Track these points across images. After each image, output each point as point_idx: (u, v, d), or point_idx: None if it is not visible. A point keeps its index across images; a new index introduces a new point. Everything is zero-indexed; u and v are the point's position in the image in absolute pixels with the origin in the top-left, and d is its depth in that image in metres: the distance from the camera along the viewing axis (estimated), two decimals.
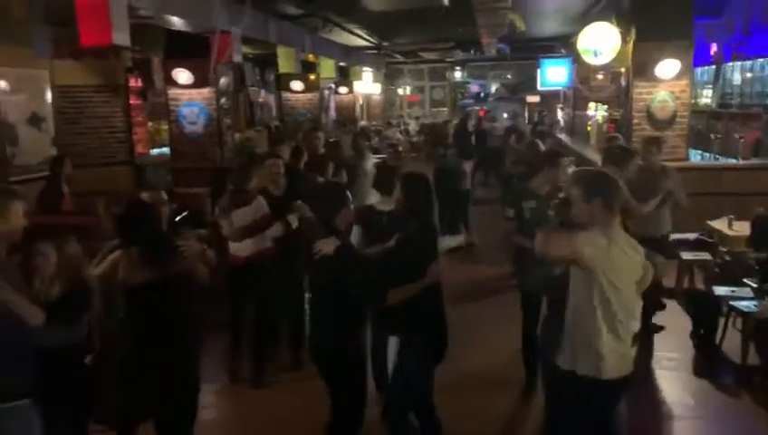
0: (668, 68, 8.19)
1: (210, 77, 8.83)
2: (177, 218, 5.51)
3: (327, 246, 3.23)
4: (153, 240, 3.48)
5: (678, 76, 8.27)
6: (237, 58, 8.57)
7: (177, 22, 7.99)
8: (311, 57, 12.82)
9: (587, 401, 2.90)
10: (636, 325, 2.91)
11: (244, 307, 5.13)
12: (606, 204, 2.86)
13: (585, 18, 12.44)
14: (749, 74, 10.78)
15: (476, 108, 25.13)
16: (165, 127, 11.78)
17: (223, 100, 9.27)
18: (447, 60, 22.72)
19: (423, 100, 26.89)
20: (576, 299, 2.91)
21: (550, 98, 21.53)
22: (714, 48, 12.07)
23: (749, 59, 11.04)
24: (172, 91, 9.20)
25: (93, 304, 3.22)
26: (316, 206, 3.57)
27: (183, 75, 8.86)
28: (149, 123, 11.87)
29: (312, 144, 7.57)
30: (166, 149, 11.45)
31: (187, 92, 9.14)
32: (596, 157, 9.87)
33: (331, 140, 10.09)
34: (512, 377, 4.93)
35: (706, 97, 12.29)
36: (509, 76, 25.36)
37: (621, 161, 4.95)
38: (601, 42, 8.60)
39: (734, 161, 9.24)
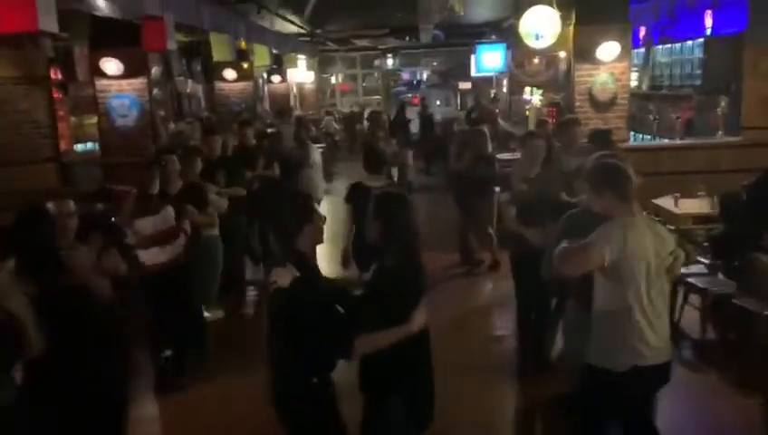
0: (609, 50, 8.28)
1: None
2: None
3: (282, 276, 2.60)
4: (34, 252, 3.06)
5: (619, 58, 8.38)
6: (171, 46, 8.11)
7: (103, 7, 7.46)
8: (243, 45, 12.36)
9: (625, 394, 2.91)
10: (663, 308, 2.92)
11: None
12: (617, 195, 2.83)
13: (519, 3, 12.55)
14: (677, 57, 11.14)
15: (409, 95, 25.13)
16: (89, 121, 11.11)
17: (155, 90, 8.77)
18: (380, 47, 22.56)
19: (356, 88, 26.68)
20: (605, 298, 2.88)
21: (482, 84, 21.72)
22: (642, 31, 12.41)
23: (676, 42, 11.42)
24: (100, 83, 8.62)
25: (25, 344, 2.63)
26: (274, 219, 2.89)
27: (112, 65, 8.31)
28: (72, 118, 11.19)
29: (244, 136, 7.34)
30: (90, 145, 10.81)
31: (117, 83, 8.59)
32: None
33: (270, 131, 9.80)
34: (486, 362, 4.90)
35: (634, 80, 12.64)
36: (435, 63, 25.48)
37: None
38: (542, 25, 8.60)
39: (668, 141, 9.53)
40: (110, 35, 8.32)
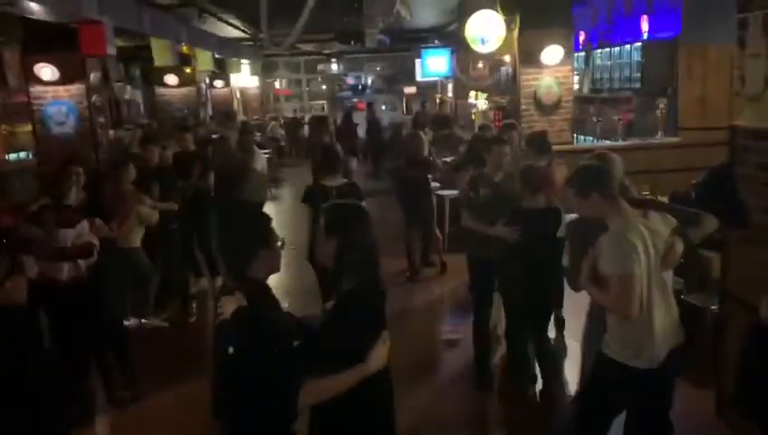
0: (552, 54, 8.46)
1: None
2: None
3: (229, 305, 2.18)
4: None
5: (562, 62, 8.57)
6: (111, 51, 7.81)
7: (37, 9, 7.11)
8: (185, 49, 12.07)
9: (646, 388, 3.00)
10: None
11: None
12: (604, 196, 2.86)
13: (464, 8, 12.69)
14: (616, 61, 11.46)
15: (355, 100, 25.09)
16: (20, 130, 10.60)
17: (94, 97, 8.43)
18: (324, 52, 22.45)
19: (301, 92, 26.45)
20: None
21: (427, 89, 21.87)
22: (582, 36, 12.73)
23: (615, 46, 11.75)
24: (35, 89, 8.22)
25: None
26: (219, 236, 2.34)
27: (47, 71, 7.94)
28: (2, 126, 10.68)
29: (184, 142, 7.23)
30: (24, 155, 10.31)
31: (53, 90, 8.20)
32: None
33: (215, 136, 9.58)
34: (438, 366, 4.90)
35: (575, 84, 12.95)
36: (379, 68, 25.51)
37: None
38: (488, 29, 8.72)
39: (610, 142, 9.77)
40: (45, 39, 7.96)
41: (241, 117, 18.12)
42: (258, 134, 15.52)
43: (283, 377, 2.16)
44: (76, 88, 8.24)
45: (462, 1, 12.00)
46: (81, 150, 8.35)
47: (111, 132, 9.75)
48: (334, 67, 25.51)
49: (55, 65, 7.95)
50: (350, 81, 26.60)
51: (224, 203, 6.99)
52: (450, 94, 16.73)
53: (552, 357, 4.59)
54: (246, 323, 2.14)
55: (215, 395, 2.28)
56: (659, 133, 8.98)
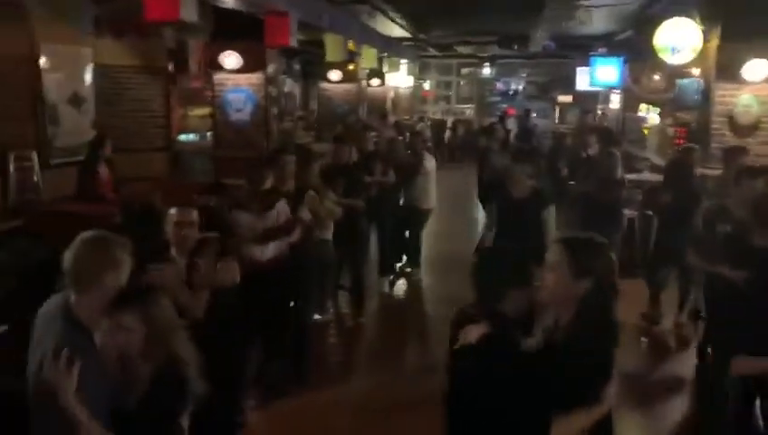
0: (756, 70, 7.61)
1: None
2: None
3: (472, 332, 2.19)
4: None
5: (766, 79, 7.68)
6: (293, 42, 8.00)
7: (229, 0, 7.45)
8: (352, 46, 12.26)
9: None
10: None
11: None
12: None
13: (643, 16, 11.87)
14: None
15: (504, 106, 24.57)
16: (192, 113, 11.26)
17: (270, 87, 8.73)
18: (479, 55, 22.12)
19: (448, 95, 26.32)
20: None
21: (586, 98, 20.88)
22: None
23: None
24: (217, 76, 8.66)
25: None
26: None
27: (232, 59, 8.32)
28: (179, 109, 11.38)
29: (365, 141, 7.24)
30: (193, 136, 10.92)
31: (234, 77, 8.59)
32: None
33: (387, 136, 9.62)
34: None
35: None
36: (532, 74, 24.71)
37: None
38: (681, 39, 7.99)
39: None
40: (231, 29, 8.32)
41: (392, 116, 18.42)
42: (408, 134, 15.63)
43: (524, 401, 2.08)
44: (256, 77, 8.55)
45: (642, 9, 11.20)
46: (254, 138, 8.69)
47: (289, 123, 10.08)
48: (486, 71, 25.11)
49: (240, 54, 8.28)
50: (501, 86, 26.11)
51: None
52: (613, 106, 15.84)
53: None
54: (492, 348, 2.11)
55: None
56: None
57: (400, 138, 10.99)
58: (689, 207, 5.48)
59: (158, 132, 8.77)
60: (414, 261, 7.73)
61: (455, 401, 2.27)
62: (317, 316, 6.08)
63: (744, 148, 6.22)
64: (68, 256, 2.22)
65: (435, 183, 7.62)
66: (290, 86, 16.40)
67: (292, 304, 4.83)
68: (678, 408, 4.86)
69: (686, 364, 5.31)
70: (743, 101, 7.82)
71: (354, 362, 5.63)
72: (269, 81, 8.60)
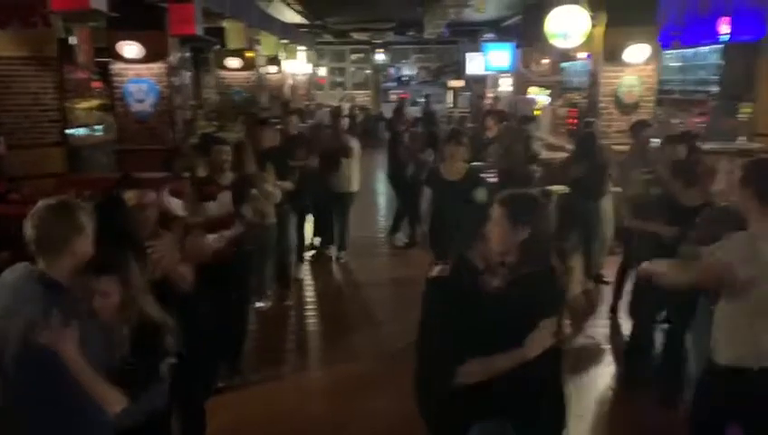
0: (637, 52, 8.31)
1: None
2: None
3: (440, 270, 2.50)
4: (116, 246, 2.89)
5: (646, 61, 8.42)
6: (199, 30, 7.83)
7: None
8: (253, 33, 12.10)
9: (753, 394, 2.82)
10: None
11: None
12: (759, 195, 2.74)
13: (527, 2, 12.54)
14: (689, 62, 11.20)
15: (399, 91, 24.98)
16: (78, 106, 10.70)
17: (173, 77, 8.49)
18: (374, 41, 22.37)
19: (344, 81, 26.45)
20: (735, 302, 2.82)
21: (474, 83, 21.68)
22: None
23: (688, 47, 11.50)
24: (117, 66, 8.30)
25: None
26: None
27: (132, 48, 8.00)
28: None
29: (289, 125, 7.22)
30: (83, 130, 10.38)
31: (135, 67, 8.27)
32: (557, 141, 10.01)
33: (310, 122, 9.59)
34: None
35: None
36: (424, 60, 25.32)
37: None
38: (571, 25, 8.55)
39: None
40: (130, 17, 8.01)
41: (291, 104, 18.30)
42: (310, 121, 15.62)
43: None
44: (158, 67, 8.28)
45: None
46: (159, 129, 8.43)
47: (188, 113, 9.79)
48: (380, 57, 25.41)
49: (140, 43, 7.99)
50: (393, 71, 26.51)
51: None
52: (503, 89, 16.58)
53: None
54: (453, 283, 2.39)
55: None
56: (742, 138, 8.77)
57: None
58: (600, 177, 5.96)
59: (53, 126, 8.33)
60: (341, 245, 7.82)
61: (425, 326, 2.51)
62: (259, 304, 6.09)
63: (646, 120, 6.76)
64: (32, 225, 2.20)
65: (359, 166, 7.68)
66: (182, 76, 15.92)
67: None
68: (597, 366, 5.19)
69: (599, 326, 5.77)
70: (626, 81, 8.53)
71: (302, 347, 5.61)
72: (172, 70, 8.36)
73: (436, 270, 2.50)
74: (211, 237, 4.29)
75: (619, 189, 5.94)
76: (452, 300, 2.39)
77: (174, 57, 8.44)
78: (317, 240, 8.03)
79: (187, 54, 15.98)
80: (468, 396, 2.37)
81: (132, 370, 2.25)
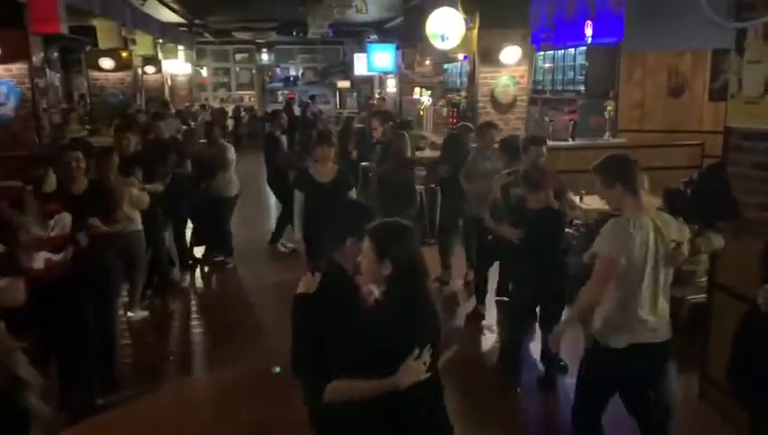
0: (510, 54, 8.69)
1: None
2: None
3: (309, 283, 2.52)
4: None
5: (519, 62, 8.83)
6: (63, 29, 7.35)
7: None
8: (126, 32, 11.53)
9: (624, 369, 3.14)
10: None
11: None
12: (627, 188, 2.95)
13: (409, 5, 12.80)
14: (559, 63, 11.86)
15: (286, 92, 24.71)
16: None
17: (37, 78, 7.91)
18: (258, 41, 22.00)
19: (228, 82, 25.83)
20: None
21: (361, 83, 21.90)
22: None
23: (558, 49, 12.18)
24: None
25: None
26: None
27: None
28: None
29: (159, 129, 6.98)
30: None
31: None
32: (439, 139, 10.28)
33: (184, 127, 9.24)
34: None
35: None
36: (311, 60, 25.21)
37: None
38: (448, 27, 8.83)
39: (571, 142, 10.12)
40: None
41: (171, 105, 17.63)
42: (192, 123, 15.13)
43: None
44: (17, 68, 7.71)
45: None
46: (23, 134, 7.85)
47: (57, 116, 9.17)
48: (264, 57, 25.06)
49: None
50: (280, 72, 26.19)
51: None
52: (389, 89, 16.85)
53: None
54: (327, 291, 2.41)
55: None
56: (607, 134, 9.40)
57: (185, 127, 10.71)
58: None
59: None
60: (226, 249, 7.62)
61: (297, 337, 2.50)
62: (130, 314, 5.80)
63: (491, 122, 7.04)
64: None
65: (235, 170, 7.53)
66: (50, 77, 14.90)
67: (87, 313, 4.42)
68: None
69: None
70: (501, 81, 8.91)
71: (184, 357, 5.45)
72: (35, 71, 7.79)
73: (303, 283, 2.45)
74: (43, 256, 4.00)
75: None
76: (319, 317, 2.37)
77: (37, 57, 7.87)
78: (199, 250, 7.80)
79: (55, 55, 15.05)
80: (342, 418, 2.33)
81: None
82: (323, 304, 2.36)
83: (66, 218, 4.14)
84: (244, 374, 4.96)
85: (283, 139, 9.09)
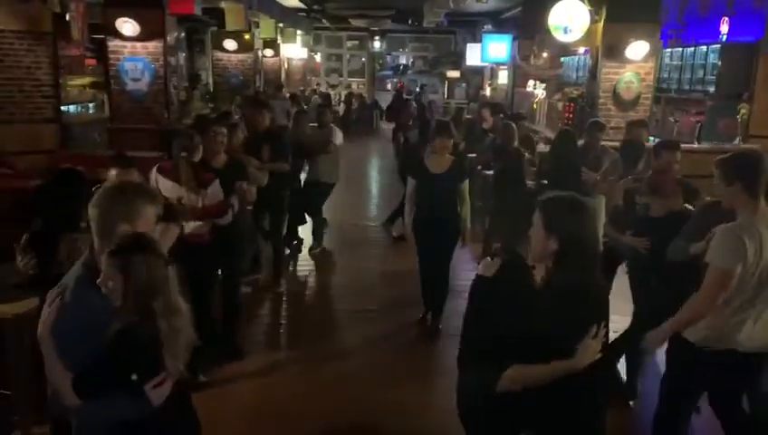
0: (637, 49, 8.28)
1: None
2: None
3: (488, 266, 2.36)
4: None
5: (646, 58, 8.40)
6: (197, 10, 7.73)
7: None
8: (252, 15, 11.97)
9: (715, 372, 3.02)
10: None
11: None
12: (745, 188, 2.77)
13: None
14: (688, 61, 11.21)
15: (395, 80, 24.90)
16: (72, 83, 10.58)
17: (170, 57, 8.38)
18: (371, 28, 22.24)
19: (339, 68, 26.31)
20: None
21: (471, 74, 21.64)
22: None
23: (688, 46, 11.50)
24: (113, 44, 8.18)
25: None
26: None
27: (129, 26, 7.88)
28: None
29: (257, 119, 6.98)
30: (73, 108, 10.26)
31: (131, 45, 8.16)
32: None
33: (295, 110, 9.47)
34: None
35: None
36: (422, 49, 25.19)
37: None
38: (572, 19, 8.53)
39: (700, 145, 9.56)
40: None
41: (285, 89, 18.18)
42: (305, 106, 15.54)
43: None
44: (154, 45, 8.18)
45: None
46: (154, 109, 8.34)
47: (183, 93, 9.67)
48: (377, 45, 25.30)
49: (137, 21, 7.89)
50: (391, 60, 26.39)
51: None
52: (501, 81, 16.55)
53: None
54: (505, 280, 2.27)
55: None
56: (737, 139, 8.79)
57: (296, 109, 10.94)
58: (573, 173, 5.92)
59: (46, 102, 8.24)
60: (317, 235, 7.63)
61: (470, 321, 2.36)
62: (244, 288, 6.04)
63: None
64: (92, 204, 2.23)
65: (340, 158, 7.56)
66: (176, 56, 15.79)
67: (220, 277, 4.74)
68: None
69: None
70: (625, 77, 8.51)
71: (294, 332, 5.57)
72: (168, 50, 8.25)
73: (482, 265, 2.34)
74: (195, 225, 4.24)
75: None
76: (496, 300, 2.26)
77: (171, 36, 8.34)
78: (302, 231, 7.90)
79: (182, 35, 15.90)
80: (500, 406, 2.28)
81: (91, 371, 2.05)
82: (501, 287, 2.27)
83: (217, 186, 4.38)
84: (363, 356, 4.99)
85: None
